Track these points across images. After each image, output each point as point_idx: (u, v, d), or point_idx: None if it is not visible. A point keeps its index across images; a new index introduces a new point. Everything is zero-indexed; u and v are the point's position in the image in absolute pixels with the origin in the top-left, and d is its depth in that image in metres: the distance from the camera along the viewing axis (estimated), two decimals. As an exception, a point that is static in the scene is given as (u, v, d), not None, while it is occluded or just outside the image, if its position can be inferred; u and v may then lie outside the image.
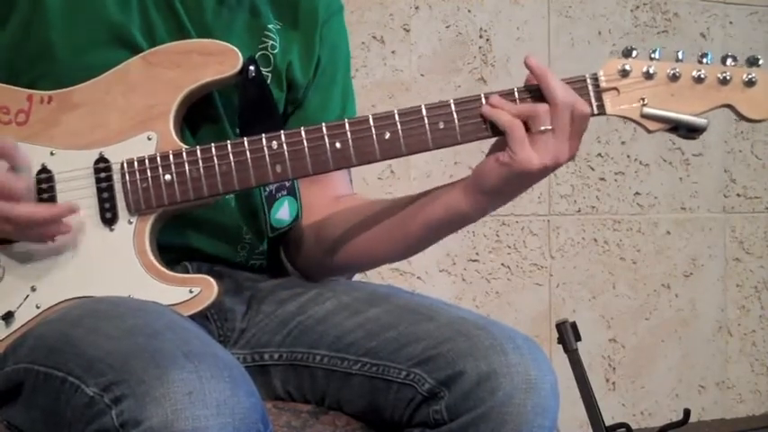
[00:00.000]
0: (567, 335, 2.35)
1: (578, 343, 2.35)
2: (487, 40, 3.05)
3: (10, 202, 1.32)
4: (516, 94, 1.38)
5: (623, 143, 3.23)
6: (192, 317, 1.35)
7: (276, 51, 1.52)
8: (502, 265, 3.09)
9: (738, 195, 3.42)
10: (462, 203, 1.41)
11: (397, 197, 1.52)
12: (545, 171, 1.36)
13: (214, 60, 1.41)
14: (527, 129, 1.36)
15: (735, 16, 3.38)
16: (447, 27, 3.01)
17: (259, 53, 1.50)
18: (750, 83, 1.39)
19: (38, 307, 1.37)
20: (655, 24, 3.27)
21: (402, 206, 1.47)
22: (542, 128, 1.35)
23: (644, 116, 1.40)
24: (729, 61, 1.40)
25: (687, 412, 2.44)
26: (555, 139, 1.35)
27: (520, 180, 1.38)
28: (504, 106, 1.37)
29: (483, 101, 1.38)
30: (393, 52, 2.94)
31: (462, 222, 1.45)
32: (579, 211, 3.19)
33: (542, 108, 1.35)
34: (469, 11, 3.03)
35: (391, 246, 1.49)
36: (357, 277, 1.79)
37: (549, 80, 1.36)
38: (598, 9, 3.20)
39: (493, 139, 1.41)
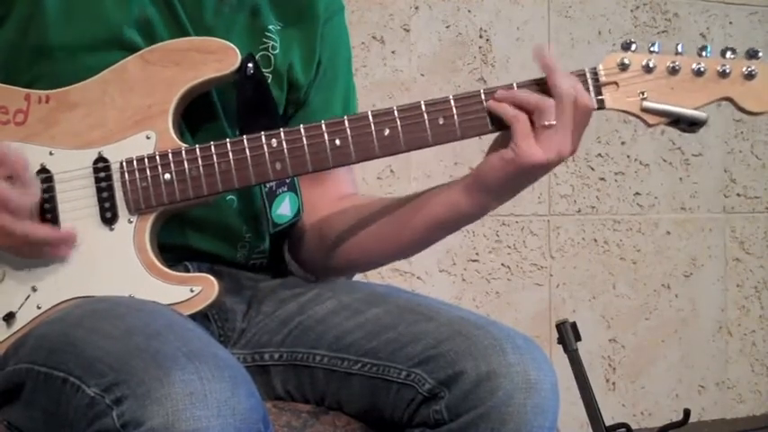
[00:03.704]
0: (567, 335, 2.35)
1: (578, 343, 2.35)
2: (487, 40, 3.05)
3: (12, 216, 1.32)
4: (516, 88, 1.38)
5: (623, 143, 3.22)
6: (193, 316, 1.35)
7: (277, 52, 1.51)
8: (502, 265, 3.09)
9: (738, 195, 3.42)
10: (463, 203, 1.41)
11: (398, 196, 1.51)
12: (548, 166, 1.35)
13: (212, 58, 1.40)
14: (531, 123, 1.35)
15: (735, 16, 3.38)
16: (447, 27, 3.00)
17: (260, 54, 1.49)
18: (750, 75, 1.39)
19: (39, 307, 1.37)
20: (655, 24, 3.27)
21: (402, 205, 1.47)
22: (546, 122, 1.34)
23: (644, 110, 1.39)
24: (729, 54, 1.39)
25: (687, 412, 2.44)
26: (558, 134, 1.34)
27: (524, 176, 1.37)
28: (509, 98, 1.36)
29: (482, 96, 1.38)
30: (393, 52, 2.93)
31: (463, 222, 1.45)
32: (579, 211, 3.19)
33: (547, 102, 1.35)
34: (469, 11, 3.03)
35: (391, 245, 1.49)
36: (357, 277, 1.78)
37: (555, 74, 1.36)
38: (598, 9, 3.19)
39: (491, 140, 1.40)
